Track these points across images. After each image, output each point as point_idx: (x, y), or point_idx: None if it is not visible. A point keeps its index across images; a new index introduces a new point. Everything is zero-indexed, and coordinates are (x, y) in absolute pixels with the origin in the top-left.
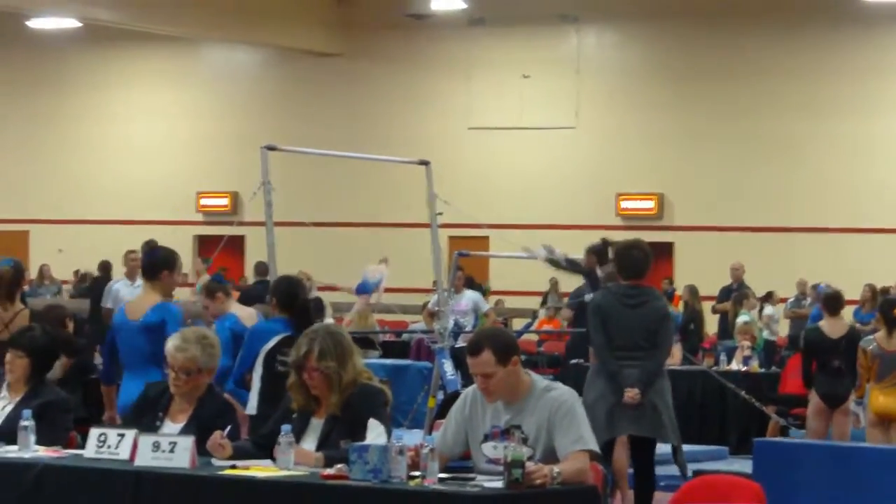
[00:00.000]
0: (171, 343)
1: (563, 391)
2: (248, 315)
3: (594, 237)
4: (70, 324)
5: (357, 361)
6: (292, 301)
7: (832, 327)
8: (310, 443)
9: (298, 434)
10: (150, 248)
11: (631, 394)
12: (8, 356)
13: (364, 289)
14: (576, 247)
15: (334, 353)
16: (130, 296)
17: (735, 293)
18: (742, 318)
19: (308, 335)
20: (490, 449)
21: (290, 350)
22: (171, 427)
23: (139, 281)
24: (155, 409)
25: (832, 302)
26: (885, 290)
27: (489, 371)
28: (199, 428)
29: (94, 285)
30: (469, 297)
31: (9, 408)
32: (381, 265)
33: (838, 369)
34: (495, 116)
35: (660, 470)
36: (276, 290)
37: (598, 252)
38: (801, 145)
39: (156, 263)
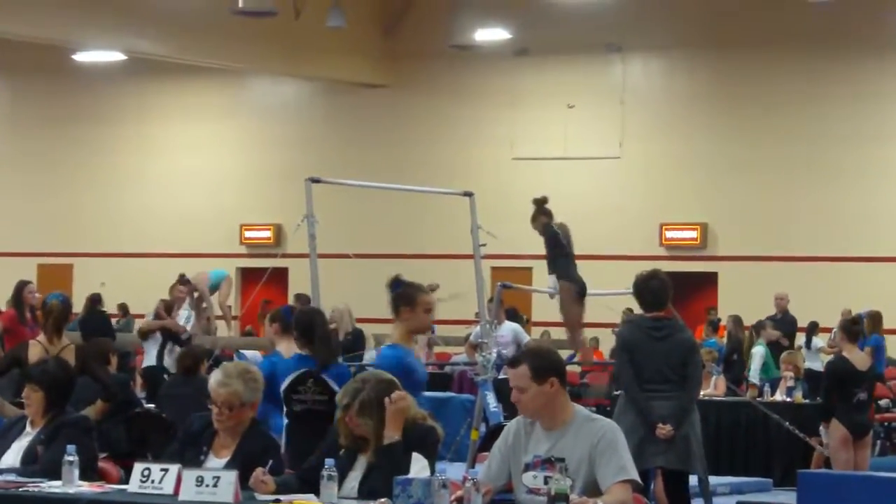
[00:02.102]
0: (214, 378)
1: (605, 422)
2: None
3: (638, 268)
4: (114, 359)
5: (410, 402)
6: (311, 335)
7: (858, 358)
8: (354, 479)
9: (345, 470)
10: None
11: (664, 431)
12: (25, 391)
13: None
14: (621, 278)
15: (375, 409)
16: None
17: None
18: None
19: (356, 382)
20: (530, 479)
21: (304, 388)
22: (215, 462)
23: (181, 312)
24: (199, 443)
25: (854, 328)
26: None
27: (522, 385)
28: (244, 463)
29: (83, 319)
30: (509, 328)
31: (26, 439)
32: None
33: (862, 401)
34: (539, 147)
35: None
36: (297, 325)
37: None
38: (847, 173)
39: None
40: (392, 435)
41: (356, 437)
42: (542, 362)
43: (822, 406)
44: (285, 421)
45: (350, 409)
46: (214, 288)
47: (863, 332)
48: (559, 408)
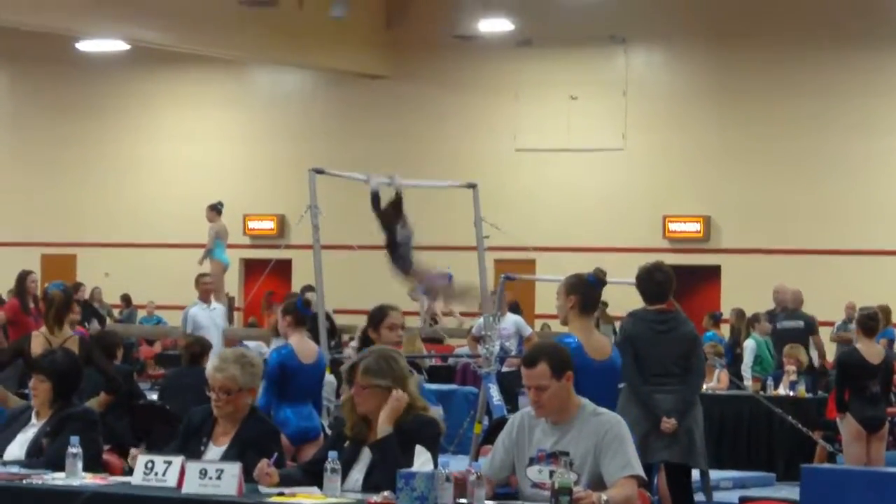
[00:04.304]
0: (211, 364)
1: (610, 416)
2: (307, 349)
3: (642, 260)
4: (119, 352)
5: (411, 390)
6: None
7: (870, 351)
8: (359, 472)
9: (349, 463)
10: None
11: (668, 424)
12: (32, 381)
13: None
14: (623, 270)
15: (383, 372)
16: (207, 320)
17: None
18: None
19: (361, 353)
20: (535, 473)
21: None
22: (214, 450)
23: (214, 304)
24: (200, 433)
25: (869, 323)
26: None
27: (543, 384)
28: (242, 450)
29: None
30: (512, 320)
31: (31, 431)
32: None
33: (875, 394)
34: (542, 138)
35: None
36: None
37: (393, 204)
38: (851, 166)
39: None
40: (385, 428)
41: (362, 420)
42: (559, 358)
43: (836, 400)
44: None
45: (355, 372)
46: (215, 254)
47: (879, 326)
48: (568, 401)
